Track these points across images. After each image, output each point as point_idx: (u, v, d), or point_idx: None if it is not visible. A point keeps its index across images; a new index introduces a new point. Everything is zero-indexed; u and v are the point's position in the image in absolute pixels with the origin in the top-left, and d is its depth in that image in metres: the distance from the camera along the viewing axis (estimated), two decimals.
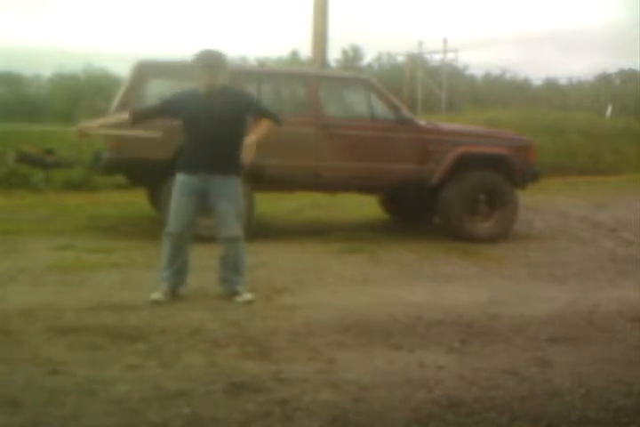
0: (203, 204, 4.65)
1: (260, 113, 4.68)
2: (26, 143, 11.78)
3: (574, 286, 5.36)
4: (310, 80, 7.22)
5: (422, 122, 7.62)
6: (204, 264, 4.93)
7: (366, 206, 8.93)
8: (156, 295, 4.50)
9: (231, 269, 4.69)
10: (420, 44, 30.33)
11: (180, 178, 4.64)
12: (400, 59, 32.60)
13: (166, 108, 4.70)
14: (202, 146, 4.55)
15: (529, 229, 8.11)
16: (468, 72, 37.18)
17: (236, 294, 4.62)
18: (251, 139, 4.50)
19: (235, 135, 4.55)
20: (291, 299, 4.68)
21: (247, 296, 4.59)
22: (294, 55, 33.71)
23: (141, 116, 4.77)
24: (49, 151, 11.54)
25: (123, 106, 6.85)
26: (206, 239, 5.06)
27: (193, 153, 4.61)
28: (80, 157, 11.11)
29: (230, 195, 4.62)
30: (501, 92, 33.49)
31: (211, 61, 4.55)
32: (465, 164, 7.20)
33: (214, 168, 4.55)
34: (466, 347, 3.75)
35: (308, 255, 6.21)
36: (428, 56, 32.41)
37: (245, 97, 4.79)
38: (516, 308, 4.59)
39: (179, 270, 4.65)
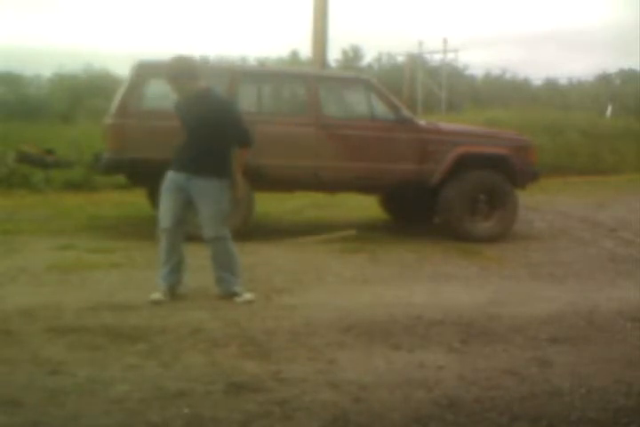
0: (189, 201, 4.68)
1: (233, 128, 4.65)
2: (26, 143, 11.81)
3: (574, 286, 5.36)
4: (310, 80, 7.22)
5: (422, 122, 7.62)
6: (201, 264, 4.93)
7: (366, 206, 8.93)
8: (157, 295, 4.52)
9: (224, 268, 4.70)
10: (420, 44, 30.34)
11: (168, 175, 4.71)
12: (400, 59, 32.56)
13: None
14: (186, 147, 4.68)
15: (529, 229, 8.11)
16: (468, 72, 37.16)
17: (234, 294, 4.63)
18: (236, 175, 4.67)
19: (215, 139, 4.60)
20: (291, 299, 4.68)
21: (247, 296, 4.60)
22: (294, 55, 33.68)
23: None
24: (49, 151, 11.59)
25: (123, 106, 6.86)
26: (202, 239, 5.06)
27: (180, 153, 4.71)
28: (80, 157, 11.13)
29: (210, 197, 4.61)
30: (501, 92, 33.43)
31: (174, 73, 4.60)
32: (465, 164, 7.19)
33: (195, 169, 4.60)
34: (466, 347, 3.75)
35: (308, 255, 6.21)
36: (428, 56, 32.38)
37: (226, 105, 4.78)
38: (516, 308, 4.59)
39: (175, 268, 4.67)
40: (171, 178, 4.68)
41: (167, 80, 4.68)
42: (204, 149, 4.61)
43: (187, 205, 4.70)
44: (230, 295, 4.64)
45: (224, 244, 4.69)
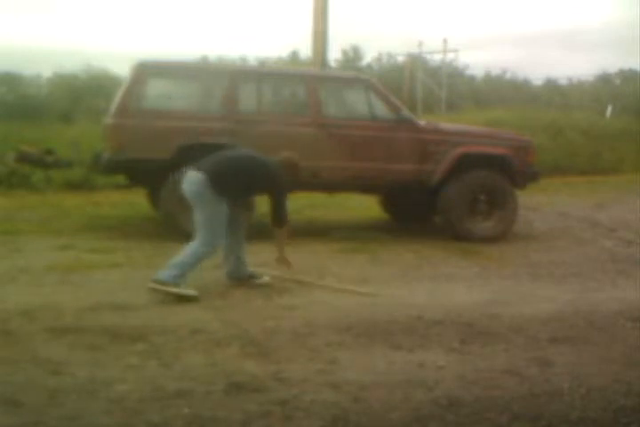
0: None
1: None
2: (26, 143, 11.82)
3: (574, 286, 5.36)
4: (310, 80, 7.22)
5: (422, 122, 7.61)
6: (203, 264, 4.92)
7: (366, 206, 8.93)
8: (192, 291, 4.59)
9: (242, 252, 5.01)
10: (420, 44, 30.28)
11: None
12: (400, 59, 32.54)
13: None
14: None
15: (529, 229, 8.11)
16: (468, 72, 37.10)
17: (253, 276, 4.97)
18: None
19: None
20: (291, 299, 4.68)
21: (266, 278, 4.98)
22: (294, 55, 33.63)
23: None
24: (49, 151, 11.61)
25: (123, 106, 6.86)
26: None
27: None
28: (80, 157, 11.13)
29: None
30: (501, 92, 33.35)
31: None
32: (465, 164, 7.19)
33: None
34: (466, 347, 3.75)
35: (308, 255, 6.21)
36: (428, 56, 32.31)
37: None
38: (516, 308, 4.59)
39: None
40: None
41: None
42: None
43: None
44: (249, 278, 4.98)
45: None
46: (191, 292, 4.55)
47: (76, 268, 5.43)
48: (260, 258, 5.82)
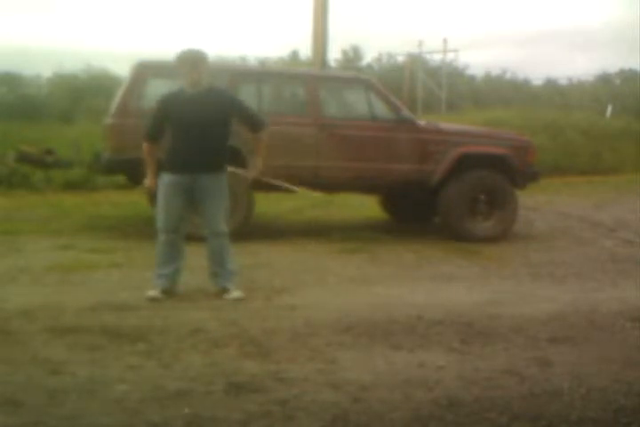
0: (191, 200, 4.69)
1: (242, 115, 4.76)
2: (26, 143, 11.83)
3: (574, 286, 5.36)
4: (310, 80, 7.22)
5: (422, 122, 7.62)
6: (201, 264, 4.92)
7: (366, 206, 8.93)
8: (153, 293, 4.54)
9: (218, 264, 4.74)
10: (420, 44, 30.31)
11: (168, 177, 4.65)
12: (400, 59, 32.54)
13: (163, 113, 4.69)
14: (190, 145, 4.58)
15: (529, 229, 8.11)
16: (468, 72, 37.09)
17: (225, 291, 4.66)
18: (258, 158, 4.81)
19: (220, 134, 4.65)
20: (291, 299, 4.68)
21: (235, 294, 4.62)
22: (294, 55, 33.61)
23: (155, 135, 4.73)
24: (49, 151, 11.62)
25: (123, 106, 6.87)
26: (201, 238, 5.06)
27: (180, 153, 4.61)
28: (80, 157, 11.15)
29: (216, 191, 4.67)
30: (501, 92, 33.33)
31: (193, 58, 4.62)
32: (465, 164, 7.20)
33: (202, 167, 4.61)
34: (466, 347, 3.75)
35: (308, 255, 6.21)
36: (428, 56, 32.33)
37: (229, 97, 4.82)
38: (516, 308, 4.59)
39: (174, 269, 4.69)
40: (172, 180, 4.62)
41: (182, 66, 4.60)
42: (210, 145, 4.61)
43: (189, 206, 4.73)
44: (221, 291, 4.68)
45: (224, 240, 4.74)
46: (151, 293, 4.56)
47: (76, 268, 5.43)
48: (259, 258, 5.84)
